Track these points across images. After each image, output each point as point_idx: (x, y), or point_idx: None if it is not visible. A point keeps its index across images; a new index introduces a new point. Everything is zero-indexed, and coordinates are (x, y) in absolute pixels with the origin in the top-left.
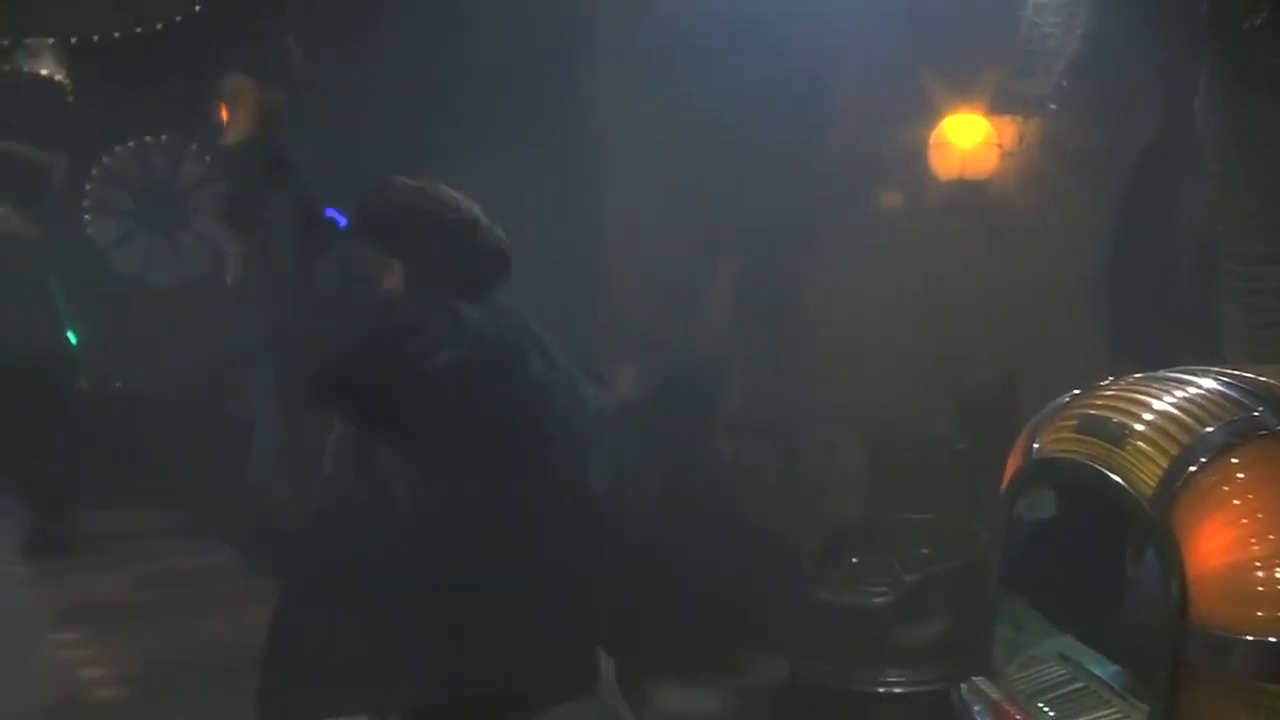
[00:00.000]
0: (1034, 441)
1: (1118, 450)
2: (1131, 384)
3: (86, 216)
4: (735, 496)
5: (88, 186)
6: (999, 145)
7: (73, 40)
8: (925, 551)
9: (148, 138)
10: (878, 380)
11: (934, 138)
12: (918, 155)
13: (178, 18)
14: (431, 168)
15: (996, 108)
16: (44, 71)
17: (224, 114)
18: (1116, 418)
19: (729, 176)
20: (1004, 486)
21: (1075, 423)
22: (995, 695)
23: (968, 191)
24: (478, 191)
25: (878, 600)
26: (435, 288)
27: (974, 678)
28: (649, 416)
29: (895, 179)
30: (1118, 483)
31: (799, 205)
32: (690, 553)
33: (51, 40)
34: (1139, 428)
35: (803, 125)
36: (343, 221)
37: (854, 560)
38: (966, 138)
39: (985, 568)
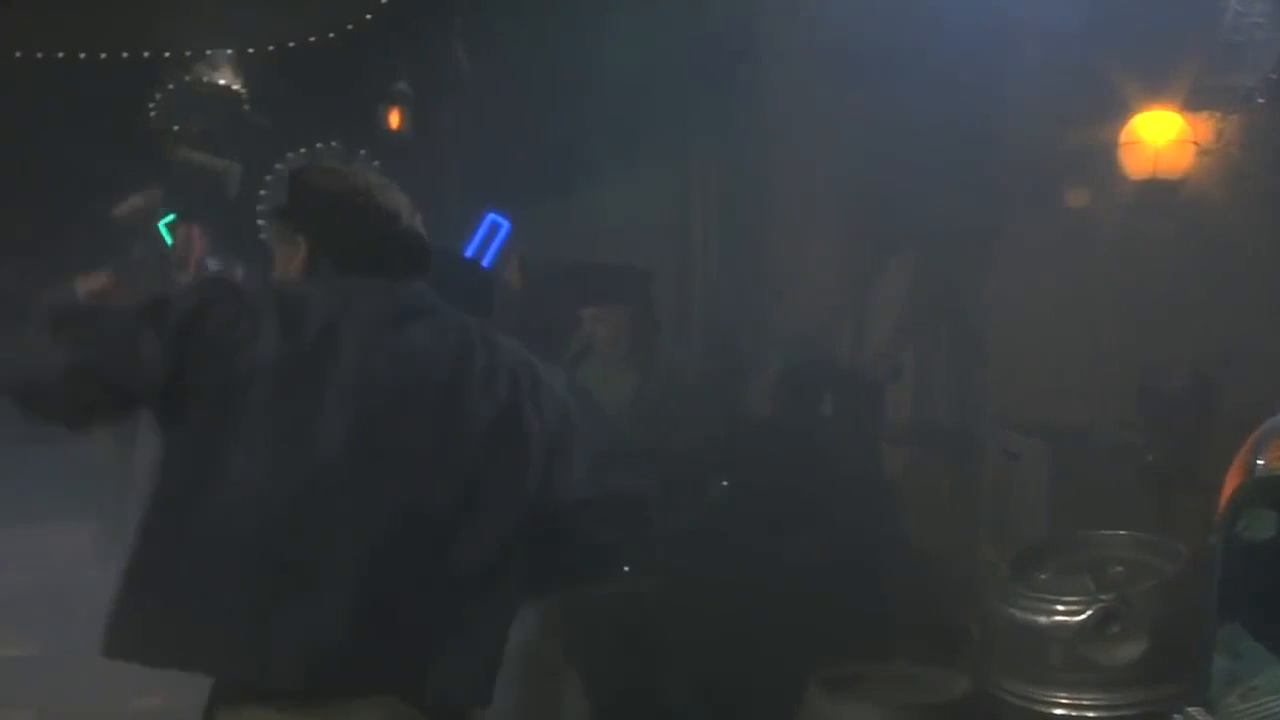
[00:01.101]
0: (1258, 458)
1: None
2: None
3: (260, 222)
4: (908, 507)
5: (261, 193)
6: (1195, 142)
7: (249, 50)
8: (1119, 569)
9: (319, 144)
10: (1064, 388)
11: (1125, 135)
12: (1107, 153)
13: (349, 26)
14: (599, 169)
15: (1194, 103)
16: (222, 81)
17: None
18: None
19: (904, 174)
20: (1221, 505)
21: None
22: None
23: (1161, 191)
24: (648, 193)
25: (1070, 619)
26: (337, 269)
27: (1189, 708)
28: (816, 423)
29: (1082, 177)
30: None
31: (979, 204)
32: (861, 565)
33: (229, 50)
34: None
35: (984, 121)
36: (506, 226)
37: (1043, 577)
38: (1160, 135)
39: (1188, 588)
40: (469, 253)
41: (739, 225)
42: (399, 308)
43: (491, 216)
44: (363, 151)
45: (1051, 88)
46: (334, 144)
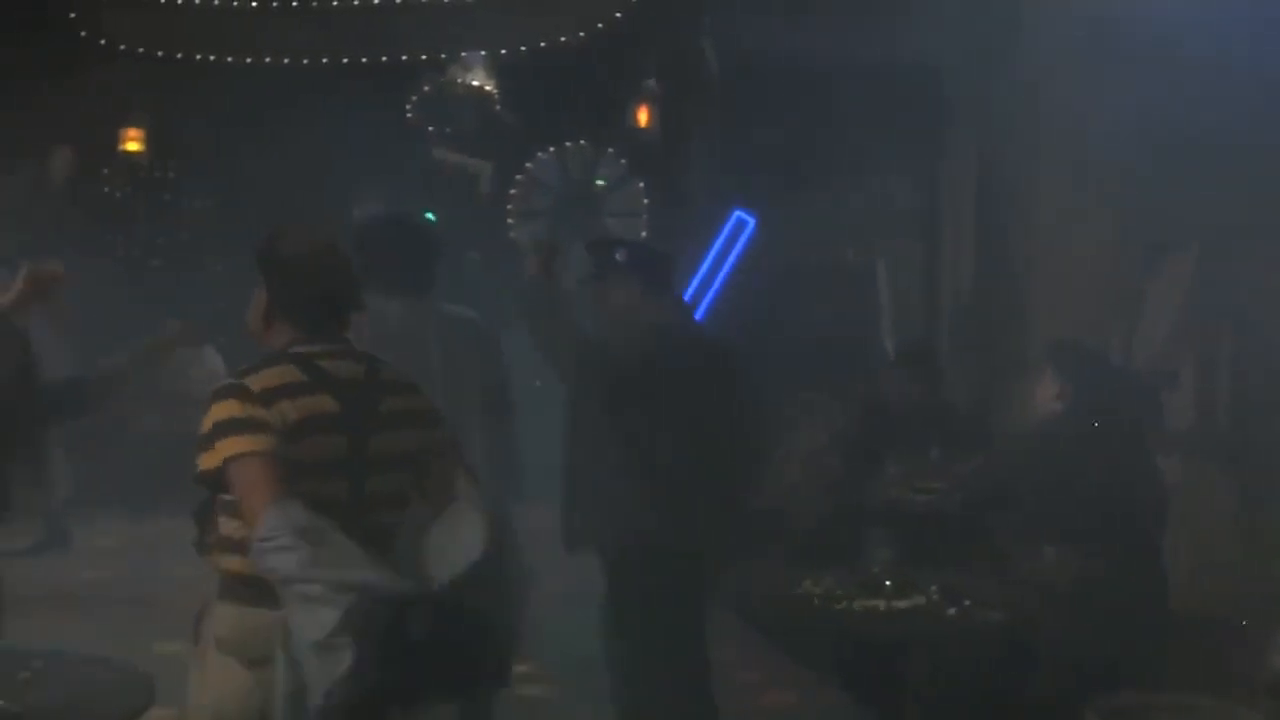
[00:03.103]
0: None
1: None
2: None
3: (510, 220)
4: (1187, 523)
5: (511, 191)
6: None
7: (502, 51)
8: None
9: (567, 143)
10: None
11: None
12: None
13: (599, 26)
14: (847, 165)
15: None
16: (475, 82)
17: None
18: None
19: (1179, 167)
20: None
21: None
22: None
23: None
24: (897, 190)
25: None
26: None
27: None
28: (1081, 433)
29: None
30: None
31: (1268, 197)
32: (1136, 584)
33: (483, 52)
34: None
35: (1272, 106)
36: (751, 222)
37: None
38: None
39: None
40: (715, 249)
41: (995, 223)
42: None
43: (738, 213)
44: (610, 149)
45: None
46: (582, 143)
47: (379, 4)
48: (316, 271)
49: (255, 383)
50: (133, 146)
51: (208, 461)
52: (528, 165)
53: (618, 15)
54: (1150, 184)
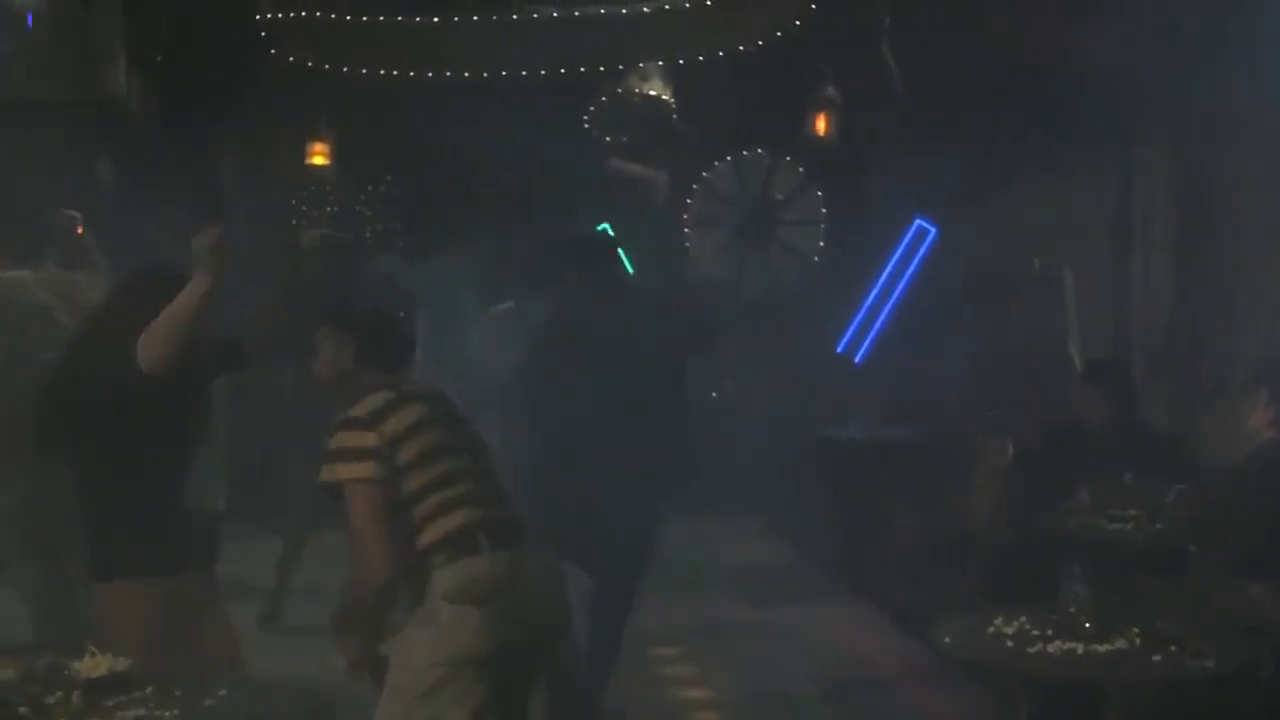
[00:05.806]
0: None
1: None
2: None
3: (685, 230)
4: None
5: (688, 201)
6: None
7: (679, 60)
8: None
9: (744, 152)
10: None
11: None
12: None
13: (777, 34)
14: (1030, 172)
15: None
16: (652, 92)
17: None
18: None
19: None
20: None
21: None
22: None
23: None
24: (1083, 196)
25: None
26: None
27: None
28: None
29: None
30: None
31: None
32: None
33: (660, 61)
34: None
35: None
36: (933, 231)
37: None
38: None
39: None
40: (895, 259)
41: (1196, 232)
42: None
43: (919, 221)
44: (788, 158)
45: None
46: (759, 151)
47: (557, 16)
48: (393, 316)
49: (386, 429)
50: (319, 161)
51: None
52: (704, 175)
53: (795, 22)
54: None
